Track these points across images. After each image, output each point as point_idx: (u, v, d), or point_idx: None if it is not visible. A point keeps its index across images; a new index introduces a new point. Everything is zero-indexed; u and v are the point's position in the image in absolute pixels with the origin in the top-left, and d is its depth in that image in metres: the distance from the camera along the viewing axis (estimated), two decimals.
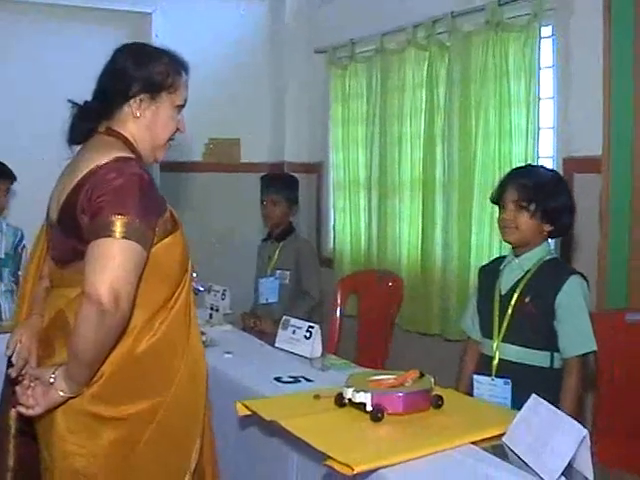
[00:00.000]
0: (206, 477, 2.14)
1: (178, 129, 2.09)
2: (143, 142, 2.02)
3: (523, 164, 3.70)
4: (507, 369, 2.59)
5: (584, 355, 2.57)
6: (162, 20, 4.96)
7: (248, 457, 2.45)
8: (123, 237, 1.74)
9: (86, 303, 1.72)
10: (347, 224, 5.26)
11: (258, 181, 4.18)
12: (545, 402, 1.93)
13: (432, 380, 2.27)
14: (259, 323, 3.72)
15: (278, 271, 3.99)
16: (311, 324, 3.07)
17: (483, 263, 3.98)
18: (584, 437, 1.73)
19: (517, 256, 2.69)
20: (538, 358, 2.59)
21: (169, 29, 4.86)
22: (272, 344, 3.17)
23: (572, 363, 2.55)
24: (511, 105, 3.84)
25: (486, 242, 4.06)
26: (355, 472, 1.72)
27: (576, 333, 2.54)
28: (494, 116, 3.93)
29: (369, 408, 2.09)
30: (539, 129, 3.74)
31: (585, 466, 1.76)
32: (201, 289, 2.11)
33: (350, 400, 2.15)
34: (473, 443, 1.97)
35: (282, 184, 4.11)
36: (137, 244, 1.77)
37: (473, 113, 4.06)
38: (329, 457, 1.78)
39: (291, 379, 2.65)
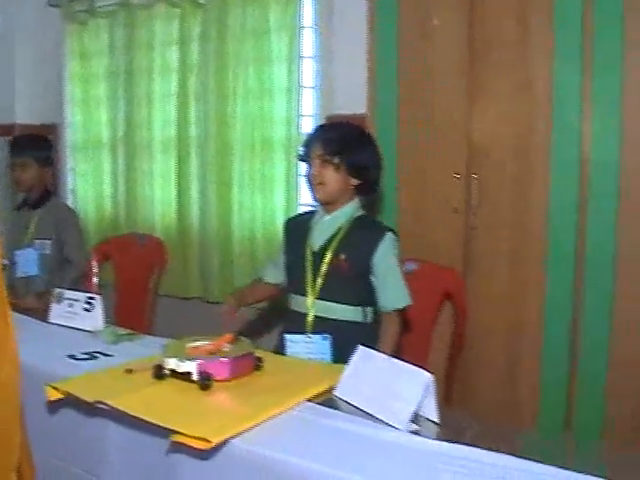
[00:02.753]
0: (24, 473, 1.91)
1: None
2: None
3: (285, 120, 3.77)
4: (322, 325, 2.60)
5: (401, 309, 2.66)
6: None
7: (61, 444, 2.24)
8: None
9: None
10: (89, 187, 4.97)
11: None
12: (378, 353, 2.00)
13: (250, 342, 2.25)
14: (20, 298, 3.42)
15: (37, 241, 3.68)
16: (91, 295, 2.89)
17: (247, 220, 4.07)
18: (429, 382, 1.82)
19: (328, 213, 2.71)
20: (352, 313, 2.63)
21: None
22: (43, 320, 2.94)
23: (392, 316, 2.64)
24: (272, 63, 3.85)
25: (247, 200, 4.07)
26: (213, 444, 1.66)
27: (395, 289, 2.63)
28: (254, 74, 3.93)
29: (195, 377, 2.02)
30: (301, 87, 3.79)
31: (430, 410, 1.85)
32: (6, 262, 1.84)
33: (173, 371, 2.06)
34: (308, 400, 1.98)
35: (29, 145, 3.79)
36: None
37: (230, 71, 4.02)
38: (177, 433, 1.70)
39: (86, 355, 2.46)
